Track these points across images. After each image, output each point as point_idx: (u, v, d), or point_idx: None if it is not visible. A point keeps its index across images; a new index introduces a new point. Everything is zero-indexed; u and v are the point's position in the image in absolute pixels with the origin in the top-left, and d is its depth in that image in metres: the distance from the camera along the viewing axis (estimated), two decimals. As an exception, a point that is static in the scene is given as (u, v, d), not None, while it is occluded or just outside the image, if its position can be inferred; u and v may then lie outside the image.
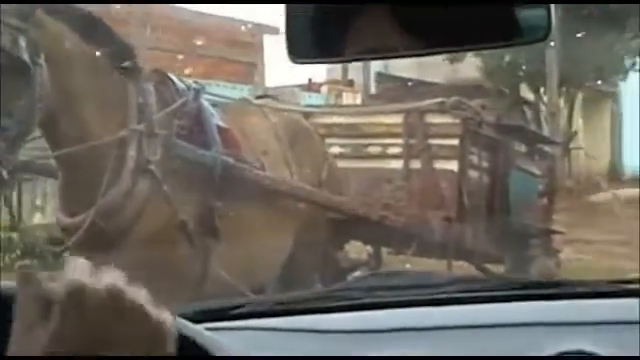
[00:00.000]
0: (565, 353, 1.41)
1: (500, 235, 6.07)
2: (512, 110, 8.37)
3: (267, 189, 4.54)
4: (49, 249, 5.20)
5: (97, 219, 3.74)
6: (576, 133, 18.42)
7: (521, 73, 17.30)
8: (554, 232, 7.36)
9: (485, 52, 12.50)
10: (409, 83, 7.75)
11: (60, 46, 3.66)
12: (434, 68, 12.94)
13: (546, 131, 14.42)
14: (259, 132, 4.82)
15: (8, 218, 7.23)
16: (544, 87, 17.26)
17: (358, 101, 14.38)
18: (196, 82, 4.60)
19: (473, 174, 5.97)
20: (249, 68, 16.93)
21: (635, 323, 1.44)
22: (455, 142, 5.78)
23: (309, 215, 4.89)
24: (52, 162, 3.99)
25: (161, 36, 15.26)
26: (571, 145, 17.53)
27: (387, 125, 5.96)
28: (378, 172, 5.88)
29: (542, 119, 16.38)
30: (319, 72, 16.47)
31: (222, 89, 10.36)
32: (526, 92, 17.40)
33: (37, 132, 3.75)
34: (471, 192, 5.84)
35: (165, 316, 0.77)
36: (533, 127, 8.58)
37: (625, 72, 18.22)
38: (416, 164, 5.82)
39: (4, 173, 3.46)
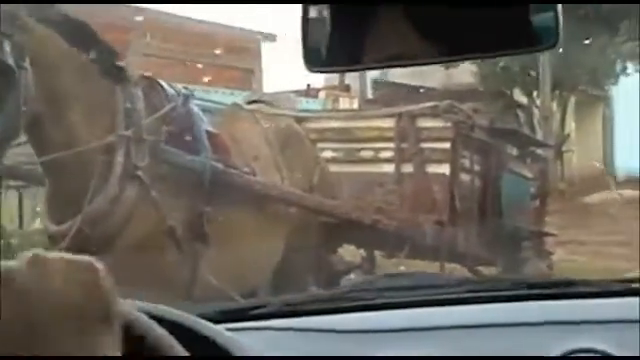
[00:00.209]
0: (576, 351, 1.42)
1: (492, 238, 6.06)
2: (505, 114, 8.40)
3: (258, 194, 4.51)
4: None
5: (84, 226, 3.70)
6: (569, 136, 18.47)
7: (515, 77, 17.34)
8: (546, 234, 7.37)
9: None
10: (405, 89, 7.76)
11: (46, 50, 3.62)
12: (430, 74, 12.96)
13: (539, 134, 14.45)
14: (250, 137, 4.79)
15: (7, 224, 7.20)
16: (537, 91, 17.29)
17: (355, 106, 14.43)
18: (186, 87, 4.57)
19: (465, 177, 5.96)
20: (247, 75, 17.02)
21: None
22: (447, 146, 5.76)
23: (301, 219, 4.87)
24: (38, 168, 3.94)
25: (160, 44, 15.31)
26: (564, 148, 17.57)
27: (379, 129, 5.95)
28: (370, 176, 5.87)
29: (535, 122, 16.42)
30: (317, 78, 16.55)
31: (220, 96, 10.36)
32: (520, 96, 17.46)
33: (23, 137, 3.70)
34: (463, 195, 5.83)
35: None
36: (526, 130, 8.60)
37: (617, 76, 18.31)
38: (408, 168, 5.81)
39: None
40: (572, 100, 18.87)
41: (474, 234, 5.91)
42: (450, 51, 1.31)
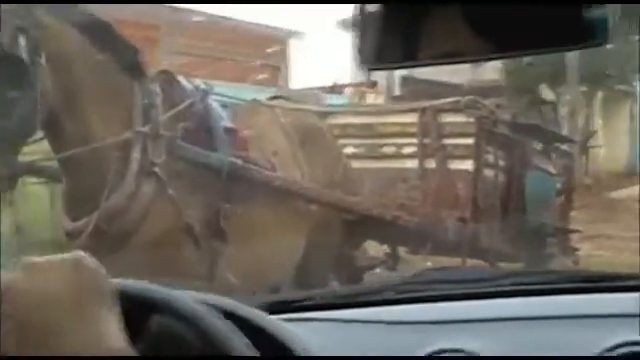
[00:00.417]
0: (628, 344, 1.43)
1: (516, 234, 6.00)
2: (530, 109, 8.33)
3: (278, 190, 4.46)
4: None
5: (101, 223, 3.67)
6: (595, 132, 18.32)
7: (541, 73, 17.21)
8: (572, 230, 7.29)
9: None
10: (432, 85, 7.74)
11: (62, 46, 3.59)
12: (456, 70, 12.86)
13: (565, 130, 14.34)
14: (270, 133, 4.75)
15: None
16: (563, 87, 17.17)
17: (381, 102, 14.37)
18: (206, 83, 4.53)
19: (488, 173, 5.91)
20: (274, 71, 17.10)
21: None
22: (470, 141, 5.71)
23: (322, 216, 4.82)
24: (55, 164, 3.92)
25: (188, 41, 15.39)
26: (590, 143, 17.43)
27: (402, 125, 5.91)
28: (393, 172, 5.83)
29: (561, 118, 16.30)
30: (344, 75, 16.53)
31: (246, 92, 10.38)
32: (545, 92, 17.34)
33: (40, 134, 3.68)
34: (486, 191, 5.78)
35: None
36: (552, 126, 8.51)
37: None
38: (431, 164, 5.76)
39: (5, 175, 3.40)
40: (599, 96, 18.73)
41: (497, 230, 5.85)
42: (502, 48, 1.31)
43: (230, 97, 5.25)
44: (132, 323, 0.79)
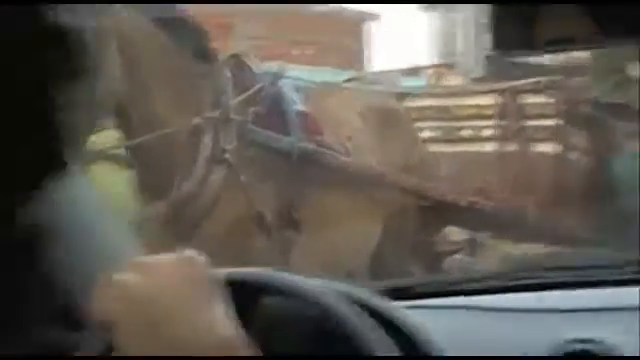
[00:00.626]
0: None
1: (603, 220, 5.80)
2: (616, 89, 8.08)
3: (352, 176, 4.36)
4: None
5: (172, 210, 3.65)
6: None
7: (629, 51, 16.74)
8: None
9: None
10: (515, 66, 7.56)
11: (131, 32, 3.55)
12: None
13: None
14: (344, 116, 4.64)
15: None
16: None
17: (459, 84, 14.20)
18: (279, 66, 4.45)
19: (572, 156, 5.71)
20: (352, 54, 17.10)
21: None
22: (551, 123, 5.53)
23: (398, 202, 4.71)
24: (124, 152, 3.90)
25: (263, 27, 15.46)
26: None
27: (479, 107, 5.75)
28: (471, 156, 5.68)
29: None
30: (422, 57, 16.41)
31: (323, 75, 10.32)
32: (634, 71, 16.88)
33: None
34: (570, 175, 5.59)
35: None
36: None
37: None
38: (511, 147, 5.60)
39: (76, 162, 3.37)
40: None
41: (583, 216, 5.66)
42: (624, 34, 1.24)
43: (304, 80, 5.16)
44: (242, 308, 0.81)
